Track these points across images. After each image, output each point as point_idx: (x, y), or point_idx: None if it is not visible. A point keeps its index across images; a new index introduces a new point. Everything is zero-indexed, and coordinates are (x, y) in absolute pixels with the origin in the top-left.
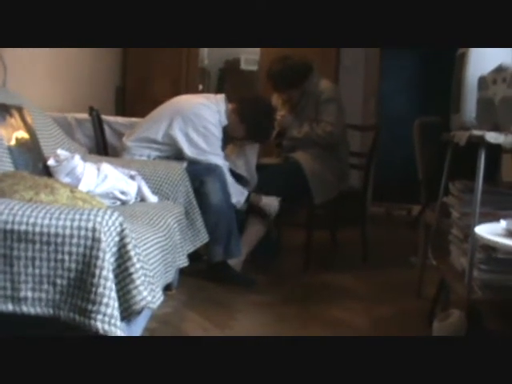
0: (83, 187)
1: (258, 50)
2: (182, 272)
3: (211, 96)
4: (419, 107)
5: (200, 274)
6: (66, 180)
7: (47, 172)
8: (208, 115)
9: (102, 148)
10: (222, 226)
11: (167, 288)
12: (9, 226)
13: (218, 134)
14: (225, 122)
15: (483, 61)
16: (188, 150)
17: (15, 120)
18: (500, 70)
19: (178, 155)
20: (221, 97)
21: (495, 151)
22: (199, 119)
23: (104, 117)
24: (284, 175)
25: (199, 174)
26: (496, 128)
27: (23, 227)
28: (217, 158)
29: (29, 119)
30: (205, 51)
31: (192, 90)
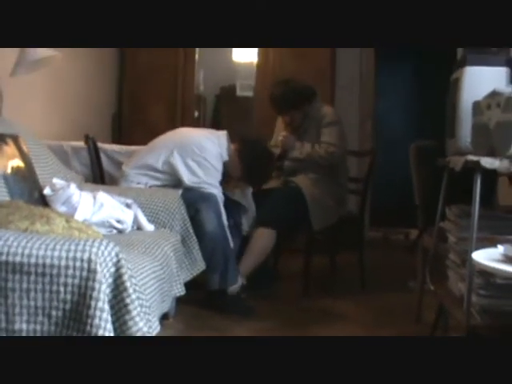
0: (79, 216)
1: (253, 75)
2: (180, 300)
3: (213, 131)
4: (415, 129)
5: (197, 303)
6: (62, 209)
7: (43, 201)
8: (210, 147)
9: (99, 176)
10: (218, 253)
11: (164, 317)
12: (3, 258)
13: (218, 166)
14: (225, 157)
15: (477, 86)
16: (186, 178)
17: (10, 149)
18: (494, 94)
19: (175, 185)
20: (223, 133)
21: (491, 175)
22: (201, 150)
23: (100, 145)
24: (284, 201)
25: (194, 201)
26: (491, 153)
27: (18, 258)
28: (213, 190)
29: (24, 148)
30: (200, 78)
31: (188, 116)
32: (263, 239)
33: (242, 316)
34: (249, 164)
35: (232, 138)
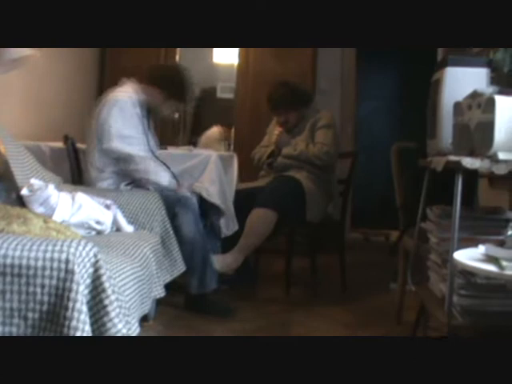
0: (57, 217)
1: (233, 78)
2: (159, 302)
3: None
4: (396, 132)
5: (178, 304)
6: (40, 210)
7: (21, 202)
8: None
9: (77, 177)
10: (197, 257)
11: (144, 319)
12: None
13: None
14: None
15: (458, 86)
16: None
17: None
18: (475, 95)
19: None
20: (129, 82)
21: (472, 176)
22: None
23: (79, 145)
24: (283, 186)
25: (171, 205)
26: (472, 153)
27: None
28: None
29: (1, 148)
30: None
31: (167, 117)
32: (263, 219)
33: (222, 317)
34: (165, 81)
35: None
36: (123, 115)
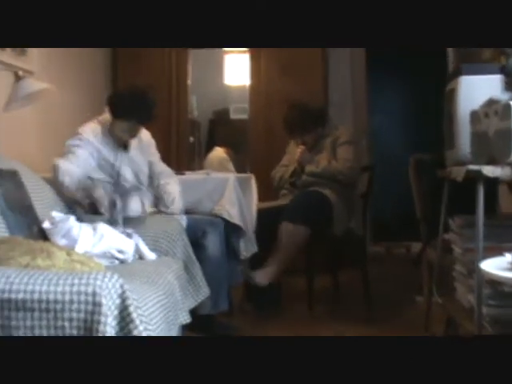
0: (80, 248)
1: (246, 98)
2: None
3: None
4: (411, 143)
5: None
6: (63, 242)
7: (42, 235)
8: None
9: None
10: (215, 279)
11: None
12: (6, 296)
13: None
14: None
15: (473, 95)
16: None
17: (8, 184)
18: (491, 103)
19: None
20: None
21: (492, 184)
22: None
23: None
24: (310, 200)
25: (201, 224)
26: (492, 161)
27: (21, 295)
28: None
29: (21, 182)
30: (194, 102)
31: (183, 142)
32: (295, 233)
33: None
34: (118, 103)
35: None
36: (72, 150)
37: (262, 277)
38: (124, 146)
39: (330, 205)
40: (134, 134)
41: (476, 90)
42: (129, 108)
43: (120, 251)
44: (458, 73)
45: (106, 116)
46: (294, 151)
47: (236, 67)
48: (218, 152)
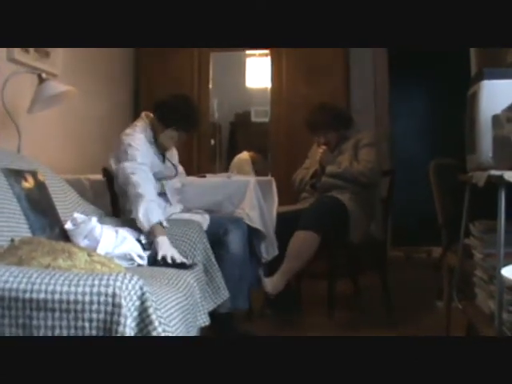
0: (101, 249)
1: (268, 101)
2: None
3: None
4: (432, 148)
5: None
6: (85, 242)
7: (65, 236)
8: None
9: (118, 209)
10: (236, 277)
11: None
12: (27, 295)
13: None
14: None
15: (495, 99)
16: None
17: (30, 185)
18: None
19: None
20: (141, 116)
21: None
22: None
23: None
24: (326, 208)
25: (223, 223)
26: None
27: (42, 295)
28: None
29: (43, 183)
30: (214, 105)
31: (204, 144)
32: (305, 242)
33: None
34: (175, 118)
35: None
36: (133, 153)
37: (270, 285)
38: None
39: (345, 211)
40: (180, 142)
41: (498, 94)
42: (182, 118)
43: (139, 256)
44: (480, 77)
45: (144, 123)
46: (316, 154)
47: (257, 70)
48: (243, 155)
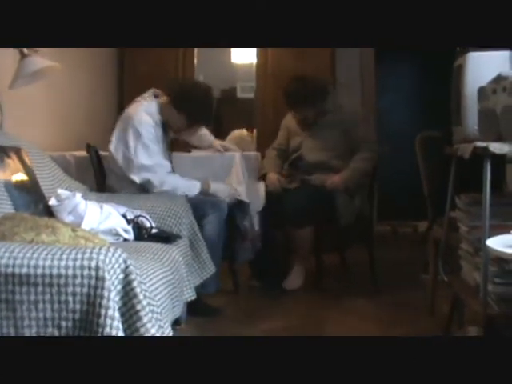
0: (86, 225)
1: (253, 77)
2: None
3: (138, 99)
4: (419, 121)
5: None
6: (69, 218)
7: (49, 212)
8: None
9: (102, 184)
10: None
11: (176, 323)
12: (10, 270)
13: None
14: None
15: (481, 71)
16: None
17: (13, 161)
18: (499, 79)
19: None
20: (148, 94)
21: (499, 161)
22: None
23: (102, 153)
24: (312, 201)
25: (201, 206)
26: (499, 138)
27: (24, 270)
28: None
29: (27, 160)
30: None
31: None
32: (303, 238)
33: (211, 317)
34: (190, 107)
35: None
36: (145, 142)
37: (290, 283)
38: None
39: (333, 200)
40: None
41: (484, 66)
42: (210, 115)
43: (126, 230)
44: (466, 49)
45: (152, 104)
46: (291, 124)
47: None
48: (242, 132)
